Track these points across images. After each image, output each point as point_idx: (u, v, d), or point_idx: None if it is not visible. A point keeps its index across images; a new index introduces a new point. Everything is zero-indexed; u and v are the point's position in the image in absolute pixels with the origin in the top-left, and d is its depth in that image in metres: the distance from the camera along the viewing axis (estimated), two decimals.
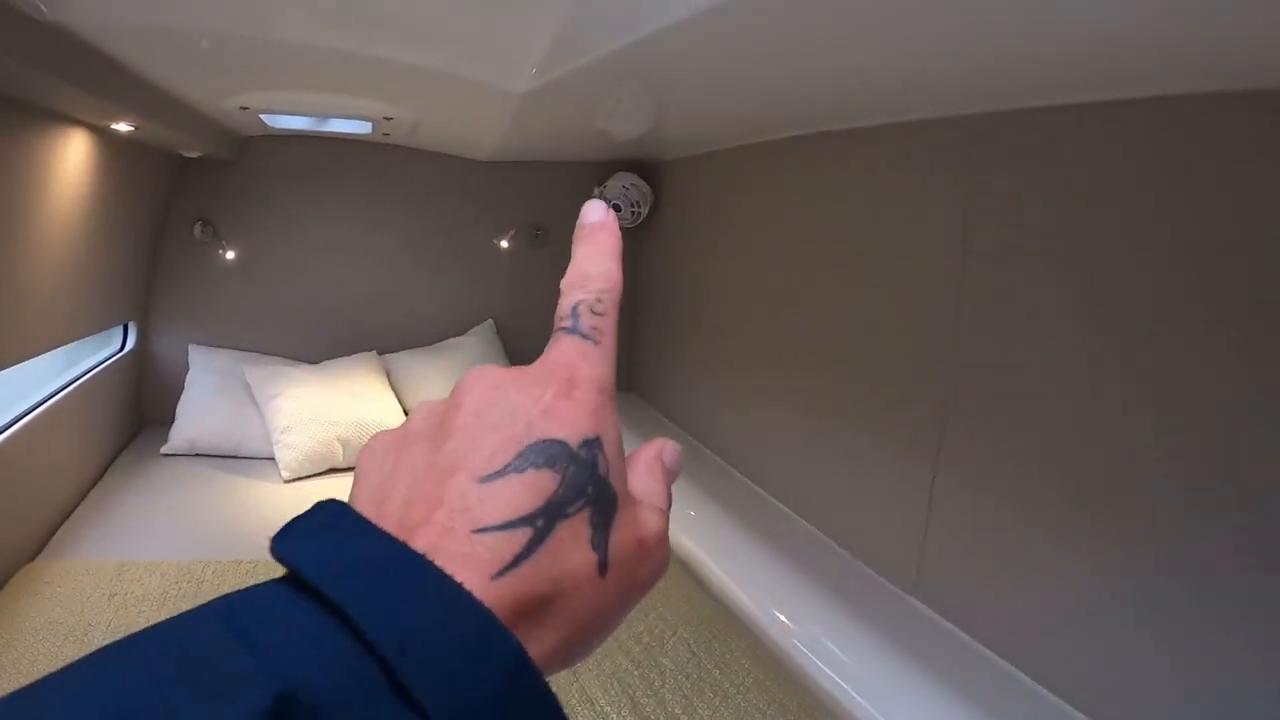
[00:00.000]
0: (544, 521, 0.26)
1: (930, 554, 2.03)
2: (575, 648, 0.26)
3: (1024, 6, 1.12)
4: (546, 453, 0.27)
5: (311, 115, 3.17)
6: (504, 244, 4.02)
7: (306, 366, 3.61)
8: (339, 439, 3.30)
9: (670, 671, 1.98)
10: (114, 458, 3.32)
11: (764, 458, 2.84)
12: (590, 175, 3.97)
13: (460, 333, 3.97)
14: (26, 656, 1.99)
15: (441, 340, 3.94)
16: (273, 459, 3.31)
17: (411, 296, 3.93)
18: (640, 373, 4.13)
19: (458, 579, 0.23)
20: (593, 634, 0.27)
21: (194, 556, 2.49)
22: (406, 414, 3.45)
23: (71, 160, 2.44)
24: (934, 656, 1.87)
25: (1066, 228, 1.71)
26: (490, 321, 4.03)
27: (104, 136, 2.61)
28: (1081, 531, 1.69)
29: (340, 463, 3.31)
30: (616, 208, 3.87)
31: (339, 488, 3.10)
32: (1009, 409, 1.81)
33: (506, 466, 0.26)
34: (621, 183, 3.86)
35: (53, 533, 2.66)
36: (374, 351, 3.76)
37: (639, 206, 3.87)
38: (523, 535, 0.25)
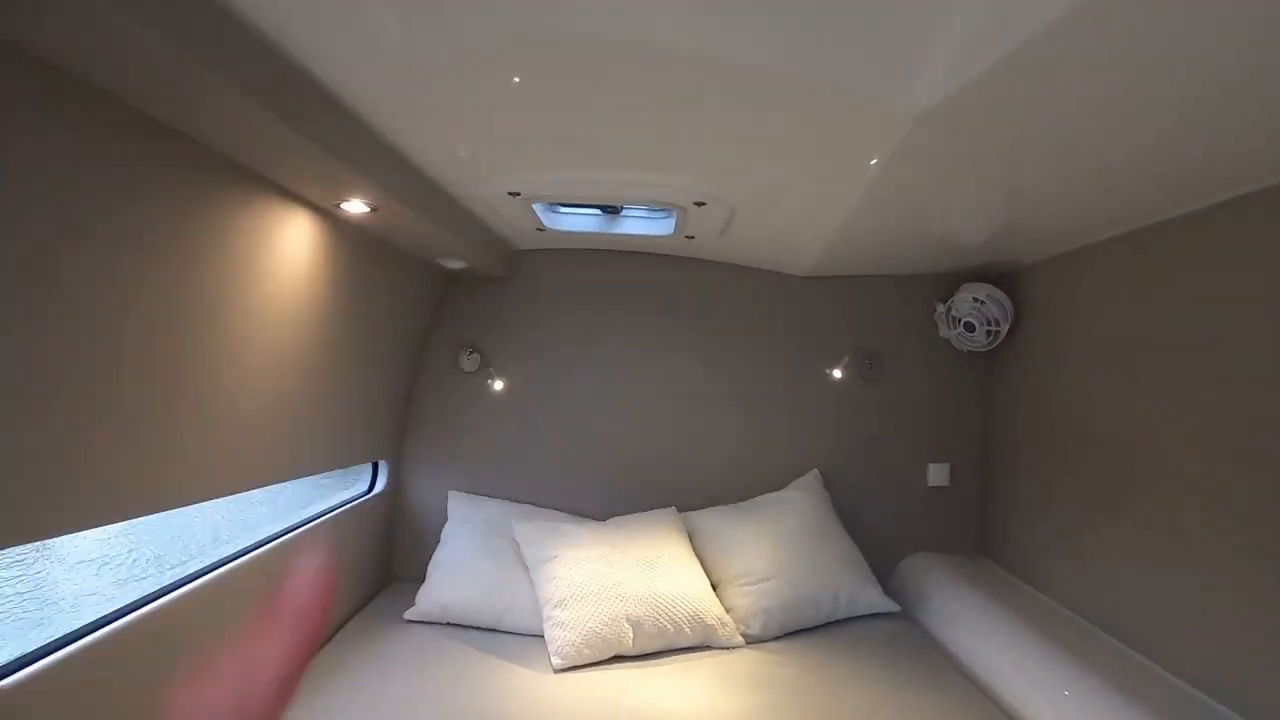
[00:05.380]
0: None
1: None
2: None
3: None
4: None
5: (599, 204, 2.62)
6: (836, 373, 3.29)
7: (590, 524, 2.96)
8: (629, 618, 2.51)
9: None
10: (349, 619, 2.75)
11: (1161, 627, 2.17)
12: (931, 289, 3.21)
13: (779, 486, 3.26)
14: None
15: (756, 496, 3.23)
16: (543, 638, 2.55)
17: (717, 442, 3.32)
18: (995, 532, 3.22)
19: None
20: None
21: None
22: (715, 587, 2.67)
23: (309, 252, 2.05)
24: None
25: None
26: (815, 473, 3.26)
27: (357, 239, 2.25)
28: None
29: (629, 649, 2.50)
30: (970, 326, 3.02)
31: (625, 682, 2.29)
32: None
33: None
34: (972, 295, 3.02)
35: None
36: (673, 509, 3.13)
37: (997, 325, 3.00)
38: None
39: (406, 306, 2.94)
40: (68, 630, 1.51)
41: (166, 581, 1.81)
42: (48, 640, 1.45)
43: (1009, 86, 1.34)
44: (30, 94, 1.10)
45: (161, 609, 1.70)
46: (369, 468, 3.06)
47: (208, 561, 1.99)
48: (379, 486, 3.04)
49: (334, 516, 2.62)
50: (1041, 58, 1.21)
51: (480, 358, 3.21)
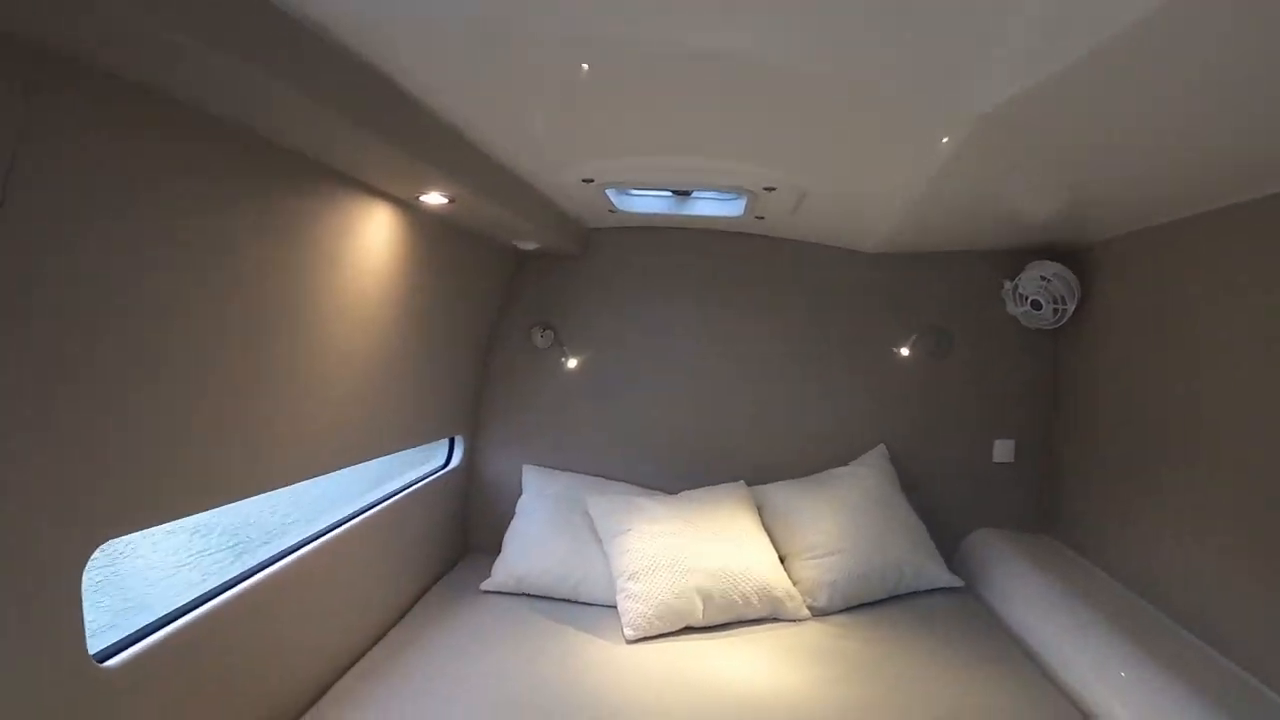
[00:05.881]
0: None
1: None
2: None
3: None
4: None
5: (670, 190, 2.65)
6: (904, 351, 3.28)
7: (661, 497, 2.99)
8: (699, 590, 2.56)
9: None
10: (426, 589, 2.83)
11: (1226, 614, 2.11)
12: (998, 266, 3.17)
13: (845, 461, 3.26)
14: None
15: (823, 470, 3.24)
16: (616, 608, 2.62)
17: (785, 417, 3.33)
18: (1059, 510, 3.18)
19: None
20: None
21: None
22: (782, 560, 2.71)
23: (389, 243, 2.09)
24: None
25: None
26: (882, 448, 3.26)
27: (434, 224, 2.28)
28: None
29: (699, 620, 2.56)
30: (1036, 304, 3.00)
31: (695, 653, 2.36)
32: None
33: None
34: (1039, 273, 3.00)
35: (341, 675, 2.17)
36: (741, 482, 3.14)
37: (1063, 303, 2.97)
38: None
39: (481, 286, 2.99)
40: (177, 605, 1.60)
41: (256, 561, 1.91)
42: (158, 616, 1.54)
43: (1072, 91, 1.34)
44: (131, 114, 1.17)
45: (253, 587, 1.78)
46: (445, 443, 3.14)
47: (294, 540, 2.07)
48: (455, 461, 3.12)
49: (413, 491, 2.70)
50: (1104, 66, 1.22)
51: (553, 334, 3.26)
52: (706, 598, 2.57)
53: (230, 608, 1.69)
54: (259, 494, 1.78)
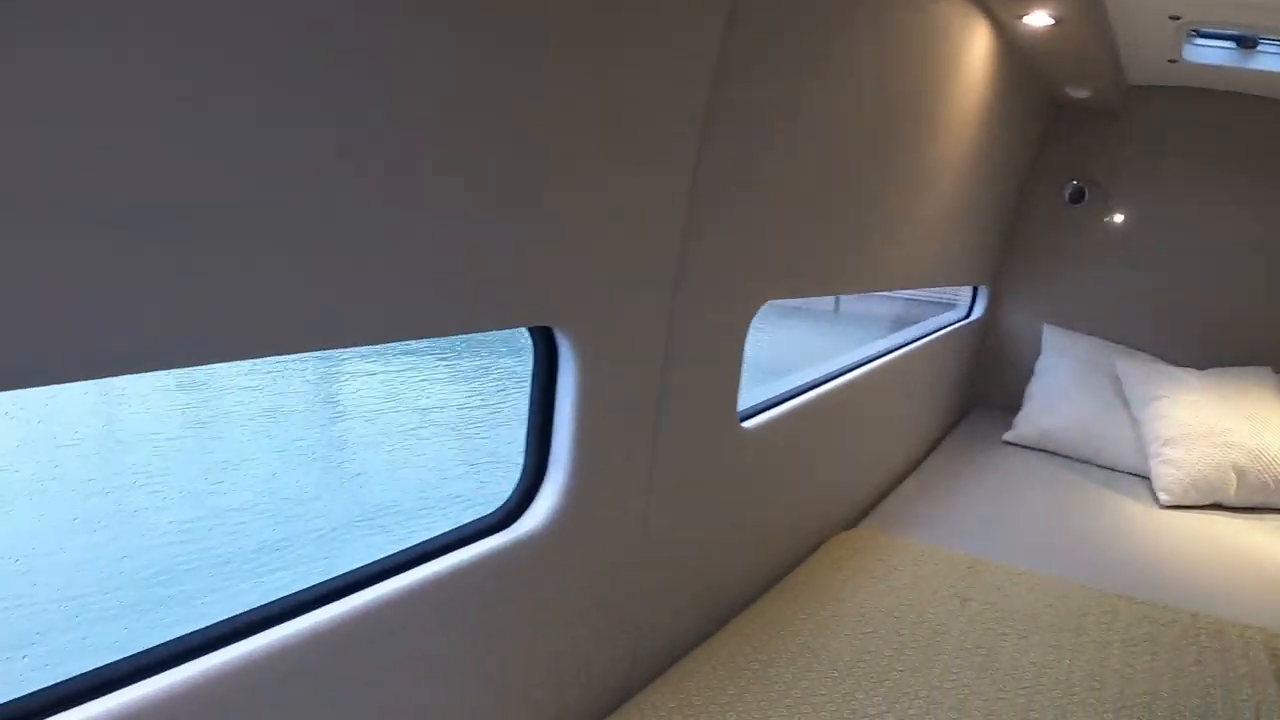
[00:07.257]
0: None
1: None
2: None
3: None
4: None
5: (1256, 32, 2.45)
6: None
7: (1191, 371, 3.00)
8: (1234, 467, 2.63)
9: None
10: (944, 434, 3.09)
11: None
12: None
13: None
14: (866, 642, 1.66)
15: None
16: (1141, 476, 2.78)
17: None
18: None
19: None
20: None
21: (1062, 574, 2.04)
22: None
23: (979, 67, 2.05)
24: None
25: None
26: None
27: (1011, 56, 2.21)
28: None
29: (1231, 499, 2.64)
30: None
31: (1229, 530, 2.45)
32: None
33: None
34: None
35: (879, 500, 2.44)
36: (1268, 368, 3.03)
37: None
38: None
39: (1022, 134, 2.94)
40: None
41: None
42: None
43: None
44: None
45: (841, 385, 2.04)
46: (968, 294, 3.29)
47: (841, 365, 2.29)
48: (976, 313, 3.26)
49: (938, 338, 2.86)
50: None
51: (1084, 192, 3.18)
52: (1241, 475, 2.63)
53: (827, 398, 1.96)
54: (857, 292, 2.03)
